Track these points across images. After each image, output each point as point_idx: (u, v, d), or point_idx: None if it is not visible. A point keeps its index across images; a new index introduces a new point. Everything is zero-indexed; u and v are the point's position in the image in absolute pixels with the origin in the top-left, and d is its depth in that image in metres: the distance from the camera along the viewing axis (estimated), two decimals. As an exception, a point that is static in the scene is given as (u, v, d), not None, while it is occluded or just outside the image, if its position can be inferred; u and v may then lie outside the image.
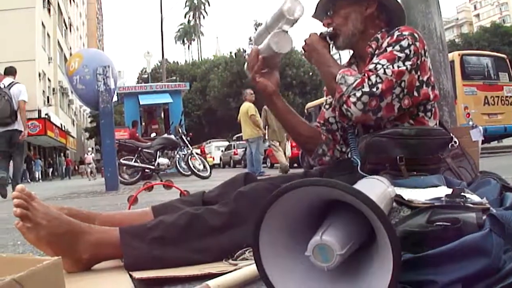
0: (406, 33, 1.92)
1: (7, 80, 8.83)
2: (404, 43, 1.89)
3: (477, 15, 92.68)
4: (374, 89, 1.81)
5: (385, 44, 1.94)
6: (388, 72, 1.83)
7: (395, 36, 1.93)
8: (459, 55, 13.56)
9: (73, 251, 1.63)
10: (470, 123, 11.95)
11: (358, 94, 1.82)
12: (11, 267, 1.04)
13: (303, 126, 2.27)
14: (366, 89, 1.82)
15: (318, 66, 2.08)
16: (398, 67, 1.84)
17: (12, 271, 0.94)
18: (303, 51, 2.16)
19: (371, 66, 1.87)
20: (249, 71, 2.15)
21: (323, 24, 2.16)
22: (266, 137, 12.82)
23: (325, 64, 2.04)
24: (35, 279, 0.97)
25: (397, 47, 1.88)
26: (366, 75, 1.85)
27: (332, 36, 2.11)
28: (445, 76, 3.63)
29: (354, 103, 1.83)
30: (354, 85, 1.85)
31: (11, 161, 8.56)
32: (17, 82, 8.86)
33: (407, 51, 1.87)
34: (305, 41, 2.12)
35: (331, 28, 2.10)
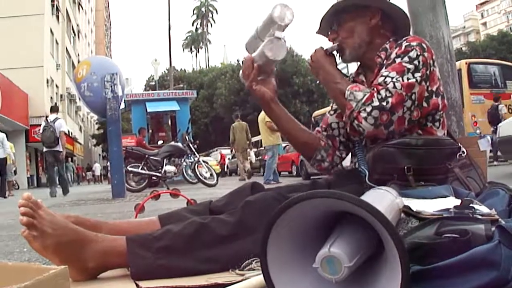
0: (414, 43, 1.92)
1: (52, 116, 12.23)
2: (413, 54, 1.88)
3: (484, 24, 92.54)
4: (384, 103, 1.81)
5: (393, 55, 1.94)
6: (397, 85, 1.82)
7: (403, 47, 1.92)
8: (466, 63, 13.55)
9: (80, 260, 1.62)
10: (478, 131, 11.96)
11: (368, 109, 1.82)
12: (17, 276, 1.04)
13: (302, 132, 2.26)
14: (376, 103, 1.82)
15: (325, 83, 2.08)
16: (408, 79, 1.84)
17: (18, 280, 0.94)
18: (309, 67, 2.15)
19: (380, 80, 1.87)
20: (245, 79, 2.13)
21: (329, 39, 2.16)
22: (234, 150, 13.67)
23: (332, 80, 2.04)
24: (41, 288, 0.97)
25: (406, 59, 1.88)
26: (375, 89, 1.85)
27: (339, 51, 2.12)
28: (453, 85, 3.63)
29: (365, 118, 1.83)
30: (363, 100, 1.85)
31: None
32: (59, 118, 12.37)
33: (416, 62, 1.87)
34: (311, 57, 2.12)
35: (336, 44, 2.10)
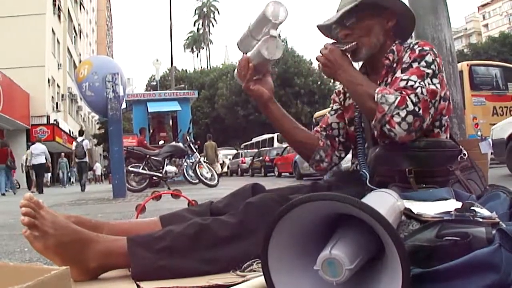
0: (427, 48, 1.91)
1: (80, 138, 17.94)
2: (429, 58, 1.87)
3: (486, 25, 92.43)
4: (417, 109, 1.77)
5: (407, 59, 1.92)
6: (424, 91, 1.80)
7: (417, 51, 1.91)
8: (467, 65, 13.51)
9: (81, 260, 1.62)
10: (479, 133, 11.93)
11: (403, 114, 1.77)
12: (18, 277, 1.04)
13: (300, 132, 2.25)
14: (410, 107, 1.77)
15: (348, 85, 1.99)
16: (429, 84, 1.82)
17: (19, 280, 0.94)
18: (320, 65, 2.04)
19: (402, 84, 1.84)
20: (241, 79, 2.11)
21: (340, 35, 2.07)
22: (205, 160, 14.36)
23: (358, 82, 1.95)
24: (42, 289, 0.97)
25: (423, 63, 1.87)
26: (404, 93, 1.80)
27: (354, 49, 2.03)
28: (454, 88, 3.63)
29: (399, 123, 1.77)
30: (396, 103, 1.79)
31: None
32: (85, 139, 18.11)
33: (433, 66, 1.86)
34: (324, 55, 2.01)
35: (355, 43, 2.01)
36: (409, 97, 1.78)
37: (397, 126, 1.78)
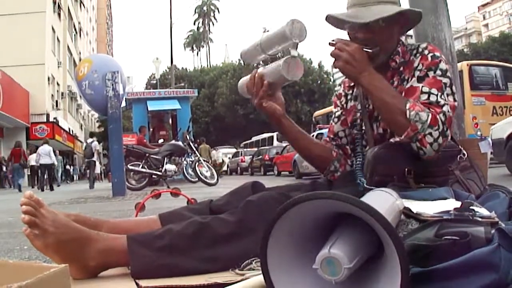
0: (437, 53, 1.91)
1: (90, 139, 19.53)
2: (442, 66, 1.88)
3: (486, 25, 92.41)
4: (445, 128, 1.78)
5: (419, 66, 1.91)
6: (449, 109, 1.80)
7: (429, 58, 1.90)
8: (467, 65, 13.53)
9: (80, 258, 1.63)
10: (478, 133, 11.94)
11: (435, 134, 1.76)
12: (18, 274, 1.04)
13: (314, 145, 2.21)
14: (441, 128, 1.77)
15: (373, 91, 1.86)
16: (448, 95, 1.84)
17: (19, 278, 0.94)
18: (340, 63, 1.87)
19: (424, 97, 1.82)
20: (251, 95, 2.07)
21: (362, 36, 1.93)
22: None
23: (384, 91, 1.85)
24: (42, 286, 0.97)
25: (439, 72, 1.87)
26: (434, 110, 1.78)
27: (374, 54, 1.93)
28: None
29: (431, 144, 1.76)
30: (428, 122, 1.76)
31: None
32: (95, 140, 19.58)
33: (448, 74, 1.87)
34: (348, 51, 1.86)
35: (378, 48, 1.92)
36: (439, 116, 1.78)
37: (428, 146, 1.77)
